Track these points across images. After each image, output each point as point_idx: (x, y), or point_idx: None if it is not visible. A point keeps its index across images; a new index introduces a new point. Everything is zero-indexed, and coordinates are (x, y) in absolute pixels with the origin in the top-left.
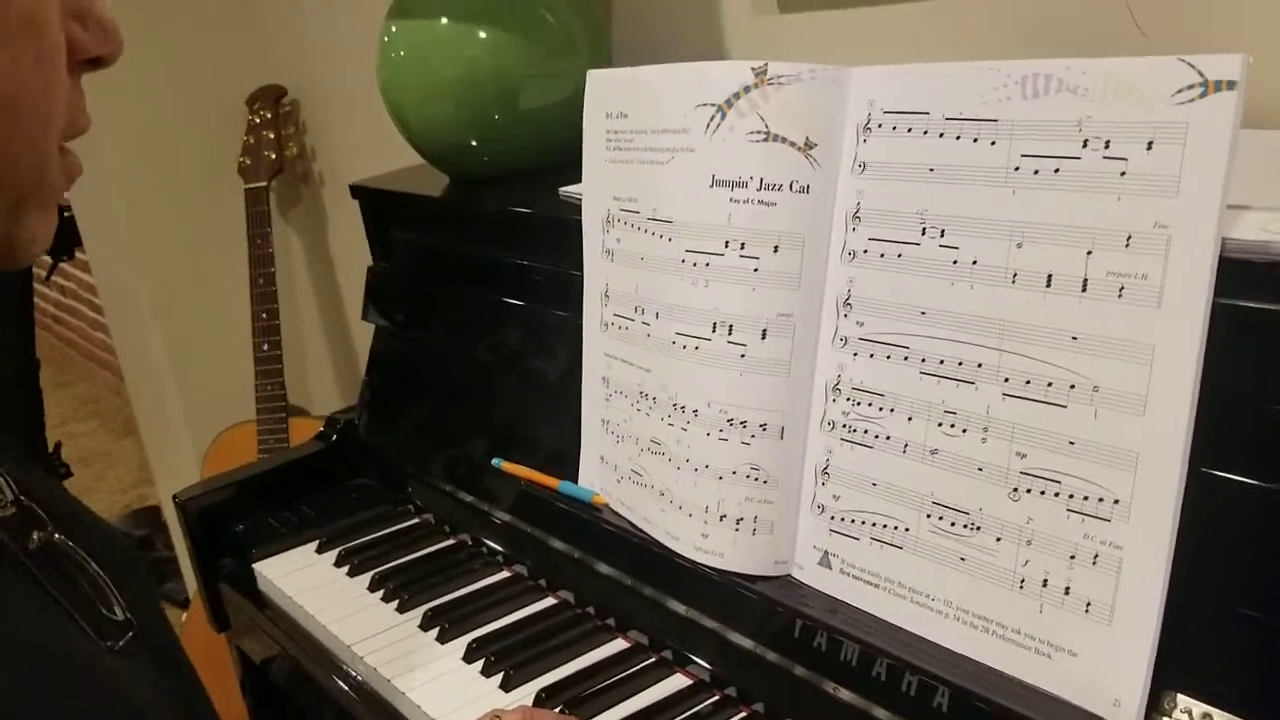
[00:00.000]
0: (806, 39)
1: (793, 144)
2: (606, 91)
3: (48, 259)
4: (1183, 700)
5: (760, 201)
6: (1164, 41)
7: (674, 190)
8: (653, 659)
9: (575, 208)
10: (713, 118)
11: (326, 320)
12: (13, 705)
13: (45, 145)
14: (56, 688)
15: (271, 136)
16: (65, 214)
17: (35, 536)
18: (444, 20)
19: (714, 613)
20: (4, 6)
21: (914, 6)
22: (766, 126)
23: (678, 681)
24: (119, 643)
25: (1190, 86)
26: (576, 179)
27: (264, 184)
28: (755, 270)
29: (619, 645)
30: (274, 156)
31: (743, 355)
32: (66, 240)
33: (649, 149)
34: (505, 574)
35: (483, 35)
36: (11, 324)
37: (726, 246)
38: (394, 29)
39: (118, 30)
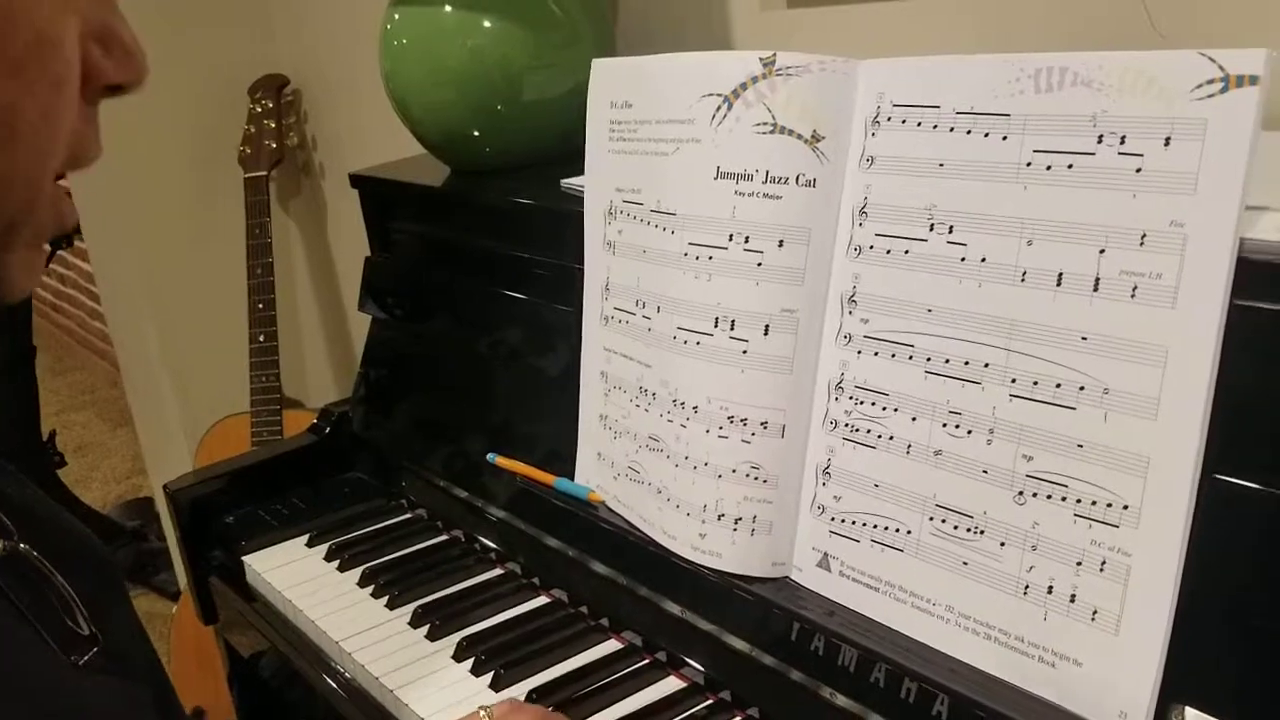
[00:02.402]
0: (814, 34)
1: (800, 136)
2: (611, 80)
3: (46, 246)
4: (1191, 714)
5: (765, 195)
6: (1181, 41)
7: (678, 182)
8: (646, 660)
9: (577, 200)
10: (719, 108)
11: (324, 312)
12: None
13: (41, 174)
14: (13, 706)
15: (272, 126)
16: None
17: (2, 546)
18: (447, 9)
19: (710, 614)
20: (11, 22)
21: (924, 2)
22: (773, 118)
23: (671, 684)
24: (84, 657)
25: (1210, 81)
26: (578, 171)
27: (264, 173)
28: (759, 265)
29: (612, 646)
30: (274, 146)
31: (745, 351)
32: None
33: (653, 139)
34: (498, 571)
35: (487, 25)
36: (6, 309)
37: (730, 240)
38: (397, 17)
39: (143, 56)
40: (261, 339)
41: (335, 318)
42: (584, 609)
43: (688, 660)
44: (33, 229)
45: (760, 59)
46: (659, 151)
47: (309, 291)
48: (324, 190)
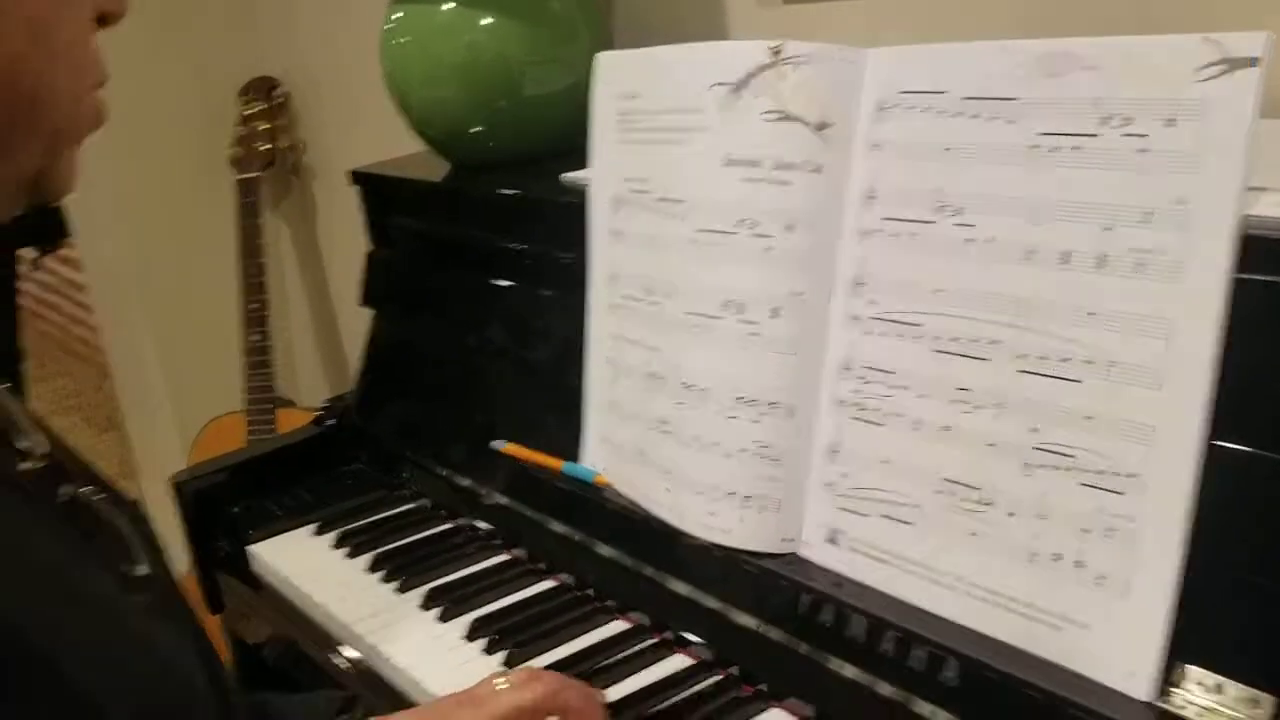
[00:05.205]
0: (810, 28)
1: (807, 124)
2: (617, 72)
3: (32, 252)
4: (1195, 672)
5: (774, 181)
6: (1172, 26)
7: (686, 170)
8: (654, 639)
9: (577, 192)
10: (727, 97)
11: (315, 311)
12: (60, 646)
13: (80, 87)
14: (103, 632)
15: (263, 128)
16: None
17: (62, 491)
18: (447, 7)
19: (717, 591)
20: None
21: None
22: (782, 106)
23: (680, 661)
24: (143, 598)
25: (1212, 64)
26: (576, 166)
27: (255, 175)
28: (768, 249)
29: (620, 626)
30: (265, 148)
31: (754, 334)
32: (53, 231)
33: (661, 129)
34: (505, 556)
35: (486, 22)
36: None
37: (739, 226)
38: (397, 16)
39: None
40: (255, 339)
41: (326, 317)
42: (590, 591)
43: (696, 638)
44: (76, 133)
45: (769, 48)
46: (667, 141)
47: (300, 291)
48: (315, 191)
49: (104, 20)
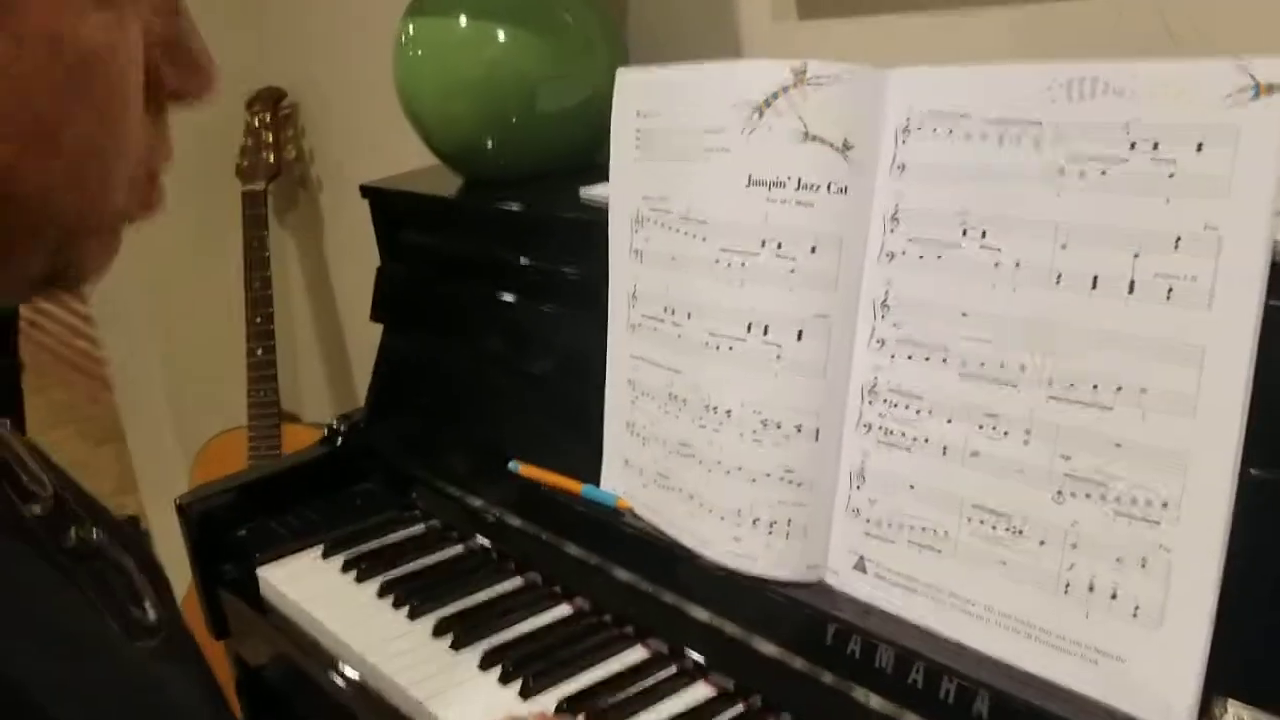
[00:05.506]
0: (825, 46)
1: (831, 145)
2: (637, 90)
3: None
4: (1234, 706)
5: (798, 202)
6: (1196, 50)
7: (708, 190)
8: (674, 668)
9: (594, 209)
10: (750, 117)
11: (320, 325)
12: (58, 698)
13: (93, 184)
14: (110, 682)
15: (270, 139)
16: None
17: (72, 533)
18: (463, 20)
19: (739, 619)
20: (56, 45)
21: (935, 16)
22: (805, 127)
23: (701, 691)
24: (151, 643)
25: (1241, 89)
26: (590, 181)
27: (261, 187)
28: (792, 271)
29: (640, 654)
30: (272, 159)
31: (778, 356)
32: None
33: (682, 148)
34: (519, 581)
35: (501, 37)
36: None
37: (763, 246)
38: (412, 28)
39: (212, 66)
40: (260, 353)
41: (332, 331)
42: (608, 617)
43: (717, 667)
44: (94, 224)
45: (792, 68)
46: (688, 160)
47: (305, 305)
48: (321, 204)
49: (180, 96)
